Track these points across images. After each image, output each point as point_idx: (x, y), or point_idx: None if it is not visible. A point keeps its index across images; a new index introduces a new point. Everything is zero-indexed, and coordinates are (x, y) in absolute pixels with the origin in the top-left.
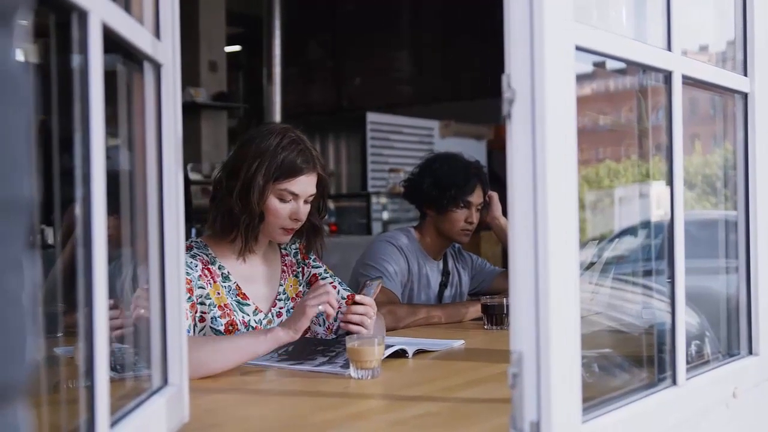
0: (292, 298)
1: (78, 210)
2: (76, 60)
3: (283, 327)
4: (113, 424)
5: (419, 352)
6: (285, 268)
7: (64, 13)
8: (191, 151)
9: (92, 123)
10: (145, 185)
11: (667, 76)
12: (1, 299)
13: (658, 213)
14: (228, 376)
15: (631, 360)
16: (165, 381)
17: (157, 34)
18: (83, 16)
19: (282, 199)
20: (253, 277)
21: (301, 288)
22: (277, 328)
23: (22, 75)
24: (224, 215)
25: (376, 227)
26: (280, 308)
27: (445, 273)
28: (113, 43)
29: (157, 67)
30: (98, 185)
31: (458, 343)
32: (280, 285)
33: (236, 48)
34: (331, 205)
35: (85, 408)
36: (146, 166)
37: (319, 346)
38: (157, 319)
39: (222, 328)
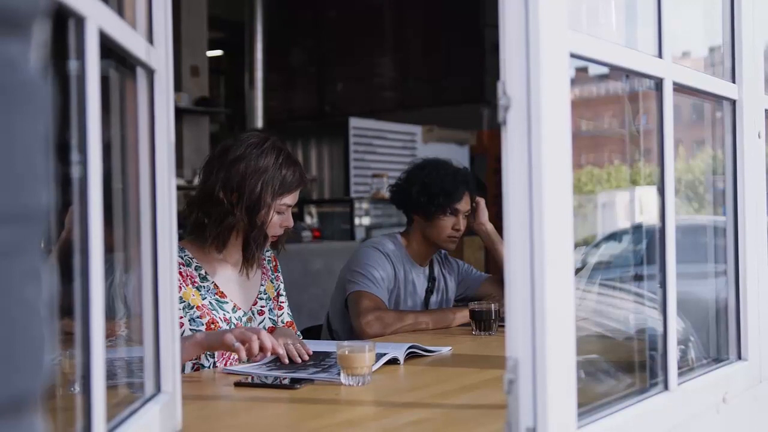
0: (273, 298)
1: (73, 215)
2: (72, 65)
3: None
4: None
5: (411, 357)
6: (264, 270)
7: (61, 18)
8: None
9: (89, 128)
10: (137, 191)
11: (659, 83)
12: (20, 309)
13: (642, 218)
14: (220, 384)
15: (621, 365)
16: (158, 389)
17: (150, 39)
18: (80, 22)
19: (280, 212)
20: (233, 278)
21: (275, 292)
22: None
23: (40, 83)
24: (226, 229)
25: (359, 233)
26: (262, 306)
27: (431, 279)
28: (106, 48)
29: (150, 72)
30: (95, 190)
31: (446, 350)
32: (261, 285)
33: (218, 53)
34: (314, 210)
35: (81, 416)
36: (139, 172)
37: (310, 360)
38: (150, 326)
39: (203, 328)
